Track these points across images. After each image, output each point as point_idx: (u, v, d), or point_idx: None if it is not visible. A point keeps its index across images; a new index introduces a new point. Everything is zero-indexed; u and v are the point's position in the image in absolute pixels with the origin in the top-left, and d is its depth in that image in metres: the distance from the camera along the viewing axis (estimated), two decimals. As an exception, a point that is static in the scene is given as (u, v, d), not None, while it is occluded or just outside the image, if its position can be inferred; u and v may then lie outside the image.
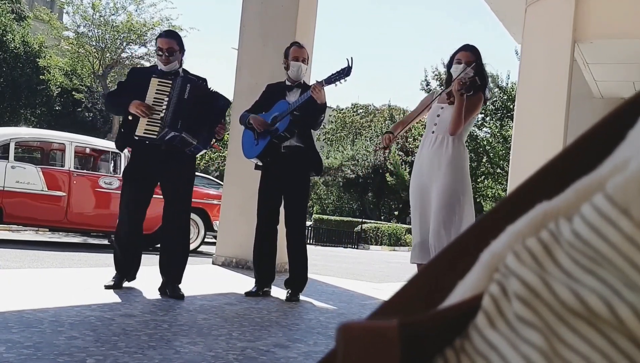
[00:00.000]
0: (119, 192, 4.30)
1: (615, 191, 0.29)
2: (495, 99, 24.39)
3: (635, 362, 0.27)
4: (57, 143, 8.46)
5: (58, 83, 24.48)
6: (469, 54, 3.89)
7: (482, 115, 24.68)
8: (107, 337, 2.70)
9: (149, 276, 4.37)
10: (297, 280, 4.36)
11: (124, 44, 23.04)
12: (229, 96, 4.33)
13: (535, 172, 0.37)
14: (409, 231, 23.67)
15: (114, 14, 22.62)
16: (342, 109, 41.60)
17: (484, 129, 25.62)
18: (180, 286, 4.05)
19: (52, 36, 24.09)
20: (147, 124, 3.91)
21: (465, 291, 0.35)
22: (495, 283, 0.33)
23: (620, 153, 0.33)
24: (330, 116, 38.11)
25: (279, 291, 4.48)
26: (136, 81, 4.08)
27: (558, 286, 0.30)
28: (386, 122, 33.10)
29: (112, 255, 4.25)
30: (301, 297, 4.40)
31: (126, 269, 4.11)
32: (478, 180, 24.92)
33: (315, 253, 11.50)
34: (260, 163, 4.39)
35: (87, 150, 8.76)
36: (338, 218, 28.76)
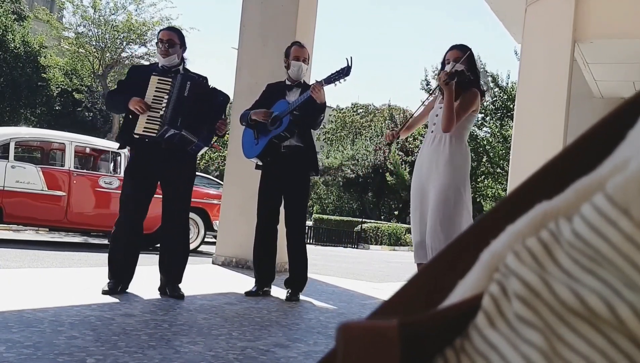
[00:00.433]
0: (119, 192, 4.27)
1: (615, 191, 0.29)
2: (495, 98, 24.39)
3: (636, 362, 0.27)
4: (57, 142, 8.46)
5: (58, 83, 24.48)
6: (457, 52, 3.90)
7: (482, 114, 24.67)
8: (107, 336, 2.70)
9: (149, 276, 4.37)
10: (297, 279, 4.36)
11: (124, 43, 23.04)
12: (229, 95, 4.32)
13: (535, 172, 0.37)
14: (409, 230, 23.65)
15: (113, 14, 22.62)
16: (342, 109, 41.60)
17: (484, 128, 25.61)
18: (180, 286, 4.04)
19: (52, 36, 24.09)
20: (146, 122, 3.88)
21: (465, 291, 0.35)
22: (495, 282, 0.33)
23: (620, 153, 0.33)
24: (330, 115, 38.11)
25: (279, 291, 4.48)
26: (136, 79, 4.05)
27: (558, 286, 0.30)
28: (386, 122, 33.09)
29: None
30: (301, 297, 4.40)
31: (122, 272, 3.98)
32: (478, 180, 24.92)
33: (315, 253, 11.49)
34: (260, 163, 4.39)
35: (87, 150, 8.76)
36: (338, 218, 28.76)
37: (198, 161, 28.65)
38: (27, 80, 23.70)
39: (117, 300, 3.66)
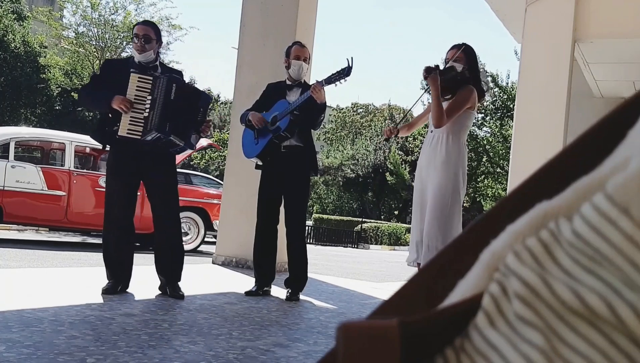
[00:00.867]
0: None
1: (616, 190, 0.29)
2: (495, 98, 24.39)
3: (636, 362, 0.27)
4: (57, 142, 8.47)
5: (58, 83, 24.49)
6: (454, 51, 3.92)
7: (482, 114, 24.68)
8: (107, 336, 2.70)
9: (149, 276, 4.36)
10: (297, 279, 4.36)
11: (124, 43, 23.04)
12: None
13: (535, 171, 0.37)
14: (409, 230, 23.58)
15: (113, 14, 22.65)
16: (342, 109, 41.61)
17: (484, 128, 25.60)
18: (180, 285, 4.03)
19: (52, 36, 24.11)
20: (129, 124, 3.80)
21: (466, 291, 0.35)
22: (495, 282, 0.33)
23: (620, 153, 0.33)
24: (330, 115, 38.10)
25: (279, 291, 4.48)
26: (112, 74, 3.95)
27: (558, 285, 0.30)
28: (386, 121, 33.09)
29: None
30: (301, 297, 4.40)
31: (119, 271, 3.96)
32: (478, 179, 24.92)
33: (315, 253, 11.49)
34: (260, 163, 4.40)
35: (87, 149, 8.76)
36: (338, 218, 28.77)
37: (198, 161, 28.64)
38: (27, 80, 23.70)
39: (117, 300, 3.66)
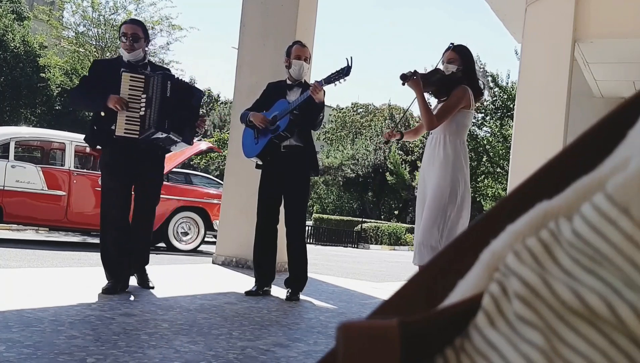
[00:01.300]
0: None
1: (616, 190, 0.29)
2: (495, 98, 24.39)
3: (636, 362, 0.27)
4: (57, 142, 8.47)
5: (58, 82, 24.49)
6: (451, 52, 3.93)
7: (482, 114, 24.68)
8: (107, 336, 2.70)
9: (148, 276, 4.36)
10: (297, 279, 4.36)
11: (124, 43, 22.99)
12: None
13: (535, 171, 0.38)
14: (409, 230, 23.67)
15: (113, 13, 22.63)
16: (342, 109, 41.60)
17: (484, 128, 25.59)
18: (151, 278, 4.18)
19: (52, 36, 24.10)
20: (126, 123, 3.80)
21: (466, 291, 0.35)
22: (495, 282, 0.33)
23: (620, 152, 0.33)
24: (330, 115, 38.10)
25: (279, 291, 4.48)
26: (102, 74, 3.94)
27: (558, 285, 0.30)
28: (386, 121, 33.09)
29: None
30: (301, 296, 4.40)
31: (118, 271, 3.96)
32: (478, 179, 24.91)
33: (316, 253, 11.50)
34: (260, 162, 4.40)
35: (87, 149, 8.75)
36: (338, 218, 28.76)
37: (198, 161, 28.61)
38: (27, 80, 23.70)
39: (117, 300, 3.66)
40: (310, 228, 22.27)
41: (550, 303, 0.30)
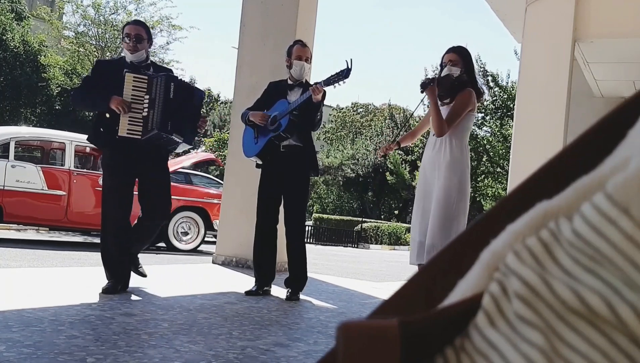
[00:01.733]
0: None
1: (616, 190, 0.29)
2: (495, 98, 24.39)
3: (636, 361, 0.27)
4: (57, 142, 8.47)
5: (58, 82, 24.48)
6: (452, 54, 3.94)
7: (482, 114, 24.67)
8: (107, 335, 2.70)
9: (149, 276, 4.36)
10: (297, 279, 4.36)
11: (124, 43, 23.00)
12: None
13: (535, 171, 0.38)
14: (409, 230, 23.59)
15: (113, 13, 22.64)
16: (342, 108, 41.58)
17: (484, 128, 25.59)
18: (145, 266, 4.20)
19: (52, 35, 24.10)
20: (129, 124, 3.80)
21: (466, 290, 0.35)
22: (495, 282, 0.33)
23: (620, 152, 0.33)
24: (330, 115, 38.09)
25: (279, 291, 4.48)
26: (105, 75, 3.93)
27: (558, 285, 0.30)
28: (386, 121, 33.07)
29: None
30: (301, 296, 4.40)
31: (119, 270, 3.96)
32: (478, 179, 24.90)
33: (316, 252, 11.50)
34: (260, 162, 4.40)
35: (87, 149, 8.76)
36: (338, 217, 28.75)
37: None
38: (27, 79, 23.69)
39: (117, 300, 3.66)
40: (310, 227, 22.27)
41: (550, 303, 0.30)
